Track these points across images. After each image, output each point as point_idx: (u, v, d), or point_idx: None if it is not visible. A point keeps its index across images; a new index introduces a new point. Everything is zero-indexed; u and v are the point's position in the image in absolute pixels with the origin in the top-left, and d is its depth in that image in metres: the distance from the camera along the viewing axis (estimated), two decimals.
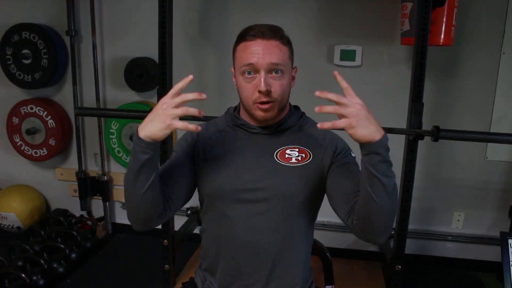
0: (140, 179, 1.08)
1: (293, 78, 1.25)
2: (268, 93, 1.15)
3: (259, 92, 1.15)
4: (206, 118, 2.03)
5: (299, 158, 1.22)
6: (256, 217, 1.21)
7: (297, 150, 1.23)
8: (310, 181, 1.21)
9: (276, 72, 1.16)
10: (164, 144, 2.21)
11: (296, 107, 1.33)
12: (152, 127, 1.04)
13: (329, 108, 0.99)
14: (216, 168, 1.23)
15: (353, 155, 1.26)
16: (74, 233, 2.71)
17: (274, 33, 1.16)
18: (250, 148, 1.24)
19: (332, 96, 1.00)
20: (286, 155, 1.22)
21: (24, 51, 2.77)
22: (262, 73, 1.14)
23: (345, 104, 0.99)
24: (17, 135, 2.96)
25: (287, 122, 1.26)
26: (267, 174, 1.20)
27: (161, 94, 2.15)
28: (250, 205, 1.20)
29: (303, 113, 1.34)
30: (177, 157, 1.25)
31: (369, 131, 1.00)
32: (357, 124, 0.99)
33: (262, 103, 1.16)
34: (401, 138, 2.18)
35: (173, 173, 1.21)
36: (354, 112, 0.99)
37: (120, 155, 2.88)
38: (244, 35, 1.17)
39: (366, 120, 1.00)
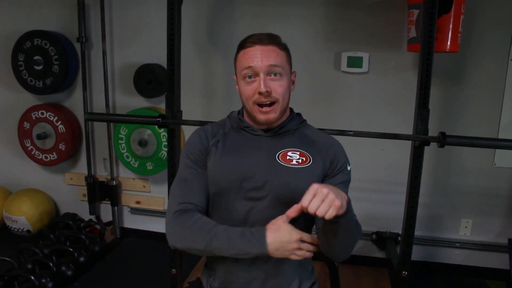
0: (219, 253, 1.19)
1: (292, 82, 1.31)
2: (268, 94, 1.21)
3: (259, 93, 1.21)
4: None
5: (300, 160, 1.26)
6: (257, 215, 1.24)
7: (298, 153, 1.28)
8: (309, 183, 1.21)
9: (275, 74, 1.22)
10: (172, 140, 2.24)
11: (298, 114, 1.39)
12: (278, 253, 1.14)
13: (320, 208, 1.00)
14: (220, 167, 1.27)
15: (348, 168, 1.33)
16: (83, 237, 2.74)
17: (271, 39, 1.24)
18: (253, 148, 1.29)
19: (302, 204, 1.03)
20: (288, 157, 1.27)
21: (36, 57, 2.82)
22: (262, 75, 1.21)
23: (315, 194, 1.02)
24: (28, 139, 3.01)
25: (288, 125, 1.32)
26: (269, 173, 1.24)
27: (169, 100, 2.18)
28: (252, 203, 1.24)
29: (304, 120, 1.40)
30: (196, 172, 1.30)
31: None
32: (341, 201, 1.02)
33: (262, 105, 1.23)
34: (407, 144, 2.18)
35: (200, 189, 1.29)
36: (329, 192, 1.01)
37: (128, 160, 2.91)
38: (244, 43, 1.26)
39: (339, 195, 1.03)
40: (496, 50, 2.45)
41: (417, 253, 2.64)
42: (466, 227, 2.70)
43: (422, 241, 2.72)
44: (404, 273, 2.15)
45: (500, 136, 2.53)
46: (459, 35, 2.16)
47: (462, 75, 2.51)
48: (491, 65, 2.47)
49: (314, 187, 1.01)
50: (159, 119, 2.14)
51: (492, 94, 2.50)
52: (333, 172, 1.29)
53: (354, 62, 2.57)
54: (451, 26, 2.12)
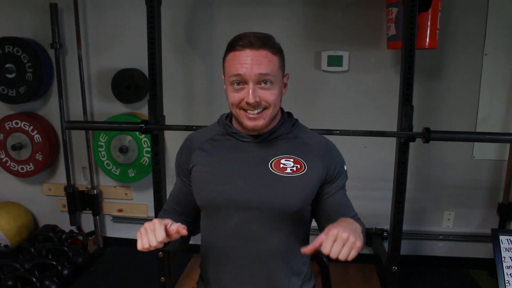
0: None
1: (285, 85, 1.23)
2: (256, 104, 1.13)
3: (247, 104, 1.13)
4: (197, 128, 2.03)
5: (294, 168, 1.19)
6: (251, 226, 1.19)
7: (292, 160, 1.20)
8: (305, 192, 1.19)
9: (265, 82, 1.13)
10: (156, 146, 2.20)
11: (289, 114, 1.30)
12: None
13: (342, 253, 0.96)
14: (208, 177, 1.22)
15: (345, 168, 1.28)
16: (65, 248, 2.66)
17: (263, 42, 1.14)
18: (243, 157, 1.21)
19: (321, 243, 0.98)
20: (281, 165, 1.19)
21: (8, 65, 2.72)
22: (251, 85, 1.12)
23: (335, 240, 0.96)
24: (2, 151, 2.90)
25: (279, 130, 1.24)
26: (262, 184, 1.18)
27: (152, 105, 2.15)
28: (244, 214, 1.18)
29: (296, 120, 1.31)
30: (182, 184, 1.33)
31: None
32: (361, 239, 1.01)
33: (249, 111, 1.15)
34: (389, 140, 2.21)
35: (186, 201, 1.32)
36: (348, 235, 0.96)
37: (109, 167, 2.84)
38: (234, 45, 1.14)
39: (356, 233, 1.00)
40: (472, 45, 2.51)
41: (402, 247, 2.67)
42: (449, 219, 2.76)
43: (407, 235, 2.75)
44: (394, 268, 2.18)
45: (478, 129, 2.59)
46: (437, 31, 2.20)
47: (440, 70, 2.56)
48: (468, 60, 2.53)
49: (334, 232, 0.96)
50: (143, 125, 2.09)
51: (470, 88, 2.57)
52: (332, 177, 1.23)
53: (334, 61, 2.59)
54: (429, 23, 2.16)
